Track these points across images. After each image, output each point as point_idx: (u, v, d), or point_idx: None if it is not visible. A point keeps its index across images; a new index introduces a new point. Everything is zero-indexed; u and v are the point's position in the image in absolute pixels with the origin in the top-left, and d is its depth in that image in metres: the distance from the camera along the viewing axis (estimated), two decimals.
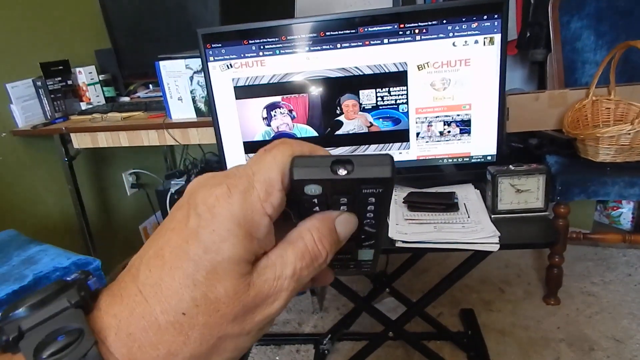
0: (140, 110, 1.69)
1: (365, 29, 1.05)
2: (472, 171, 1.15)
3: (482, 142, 1.12)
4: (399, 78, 1.09)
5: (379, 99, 1.11)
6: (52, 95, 1.72)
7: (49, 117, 1.74)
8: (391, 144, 1.15)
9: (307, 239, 0.24)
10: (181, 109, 1.50)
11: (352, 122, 1.14)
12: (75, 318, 0.22)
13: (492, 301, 1.73)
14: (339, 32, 1.06)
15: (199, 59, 1.19)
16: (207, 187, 0.23)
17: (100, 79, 1.89)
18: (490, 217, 1.00)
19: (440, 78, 1.08)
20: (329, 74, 1.10)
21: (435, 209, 1.05)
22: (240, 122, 1.17)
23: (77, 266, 1.19)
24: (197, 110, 1.49)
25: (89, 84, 1.84)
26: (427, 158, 1.15)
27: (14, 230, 1.44)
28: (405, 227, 0.99)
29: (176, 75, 1.44)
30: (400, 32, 1.05)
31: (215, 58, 1.11)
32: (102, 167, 2.11)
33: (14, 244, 1.33)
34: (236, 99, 1.15)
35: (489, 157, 1.14)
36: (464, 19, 1.03)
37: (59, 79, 1.74)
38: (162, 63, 1.44)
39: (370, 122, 1.13)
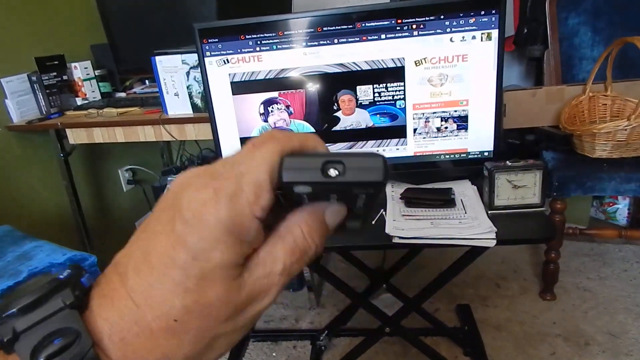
0: (137, 105, 1.68)
1: (363, 24, 1.05)
2: (469, 167, 1.15)
3: (479, 138, 1.12)
4: (396, 74, 1.08)
5: (376, 94, 1.11)
6: (48, 91, 1.71)
7: (45, 113, 1.73)
8: (388, 140, 1.15)
9: (297, 234, 0.24)
10: (178, 105, 1.49)
11: (349, 118, 1.14)
12: (71, 319, 0.22)
13: (488, 297, 1.74)
14: (336, 28, 1.06)
15: (196, 54, 1.18)
16: (193, 190, 0.22)
17: (96, 74, 1.88)
18: (487, 212, 1.00)
19: (437, 74, 1.08)
20: (326, 70, 1.10)
21: (432, 205, 1.05)
22: (237, 117, 1.16)
23: (72, 262, 1.19)
24: (194, 106, 1.48)
25: (84, 79, 1.83)
26: (424, 154, 1.15)
27: (9, 226, 1.43)
28: (402, 223, 0.99)
29: (172, 70, 1.44)
30: (398, 28, 1.04)
31: (212, 53, 1.11)
32: (98, 163, 2.10)
33: (8, 240, 1.32)
34: (233, 94, 1.14)
35: (486, 153, 1.14)
36: (461, 15, 1.02)
37: (55, 74, 1.73)
38: (158, 58, 1.43)
39: (366, 125, 1.13)
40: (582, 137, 1.43)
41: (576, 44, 1.77)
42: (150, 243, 0.22)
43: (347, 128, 1.14)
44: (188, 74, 1.43)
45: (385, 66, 1.08)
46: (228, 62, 1.11)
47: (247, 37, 1.09)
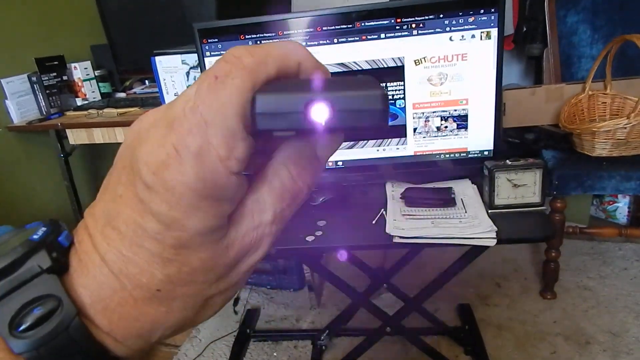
0: (137, 106, 1.68)
1: (362, 24, 1.05)
2: (469, 166, 1.15)
3: (479, 137, 1.12)
4: (396, 73, 1.08)
5: None
6: (48, 91, 1.71)
7: (45, 113, 1.73)
8: (388, 140, 1.15)
9: (284, 176, 0.21)
10: None
11: None
12: (50, 285, 0.19)
13: (489, 296, 1.73)
14: (336, 27, 1.06)
15: (196, 54, 1.18)
16: (150, 144, 0.18)
17: (96, 74, 1.88)
18: (487, 212, 1.00)
19: (437, 73, 1.08)
20: None
21: (432, 205, 1.05)
22: None
23: None
24: None
25: (84, 80, 1.83)
26: (424, 153, 1.15)
27: (9, 226, 1.43)
28: (403, 222, 0.99)
29: (172, 70, 1.44)
30: (397, 27, 1.04)
31: (212, 53, 1.11)
32: (98, 163, 2.10)
33: None
34: None
35: (485, 152, 1.14)
36: (460, 13, 1.02)
37: (55, 74, 1.73)
38: (158, 58, 1.43)
39: None
40: (582, 135, 1.43)
41: (575, 42, 1.77)
42: (114, 207, 0.20)
43: None
44: (188, 74, 1.43)
45: (385, 65, 1.08)
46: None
47: (246, 37, 1.09)
